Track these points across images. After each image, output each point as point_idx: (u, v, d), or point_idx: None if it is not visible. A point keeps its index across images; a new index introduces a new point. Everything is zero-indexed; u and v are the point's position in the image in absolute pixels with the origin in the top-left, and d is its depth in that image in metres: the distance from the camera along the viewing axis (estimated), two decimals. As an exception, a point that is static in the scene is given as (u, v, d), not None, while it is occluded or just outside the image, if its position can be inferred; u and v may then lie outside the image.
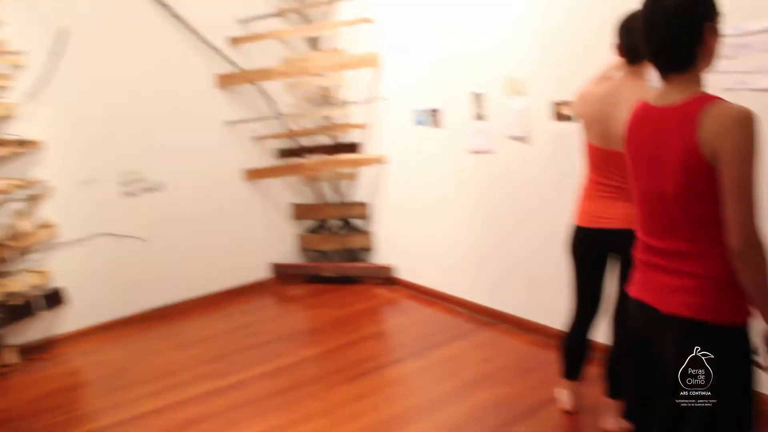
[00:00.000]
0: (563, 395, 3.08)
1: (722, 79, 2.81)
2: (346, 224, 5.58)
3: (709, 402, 1.69)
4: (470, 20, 4.07)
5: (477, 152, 4.24)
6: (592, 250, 2.78)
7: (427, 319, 4.49)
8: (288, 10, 5.33)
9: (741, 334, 1.72)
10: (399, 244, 5.21)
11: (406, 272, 5.20)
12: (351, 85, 5.27)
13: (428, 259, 4.92)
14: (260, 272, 5.55)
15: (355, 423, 3.13)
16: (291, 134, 5.38)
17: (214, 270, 5.27)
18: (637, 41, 2.42)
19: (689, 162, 1.65)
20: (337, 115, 5.41)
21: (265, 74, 5.16)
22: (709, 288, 1.70)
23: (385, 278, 5.29)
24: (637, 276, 1.92)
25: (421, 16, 4.47)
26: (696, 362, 1.69)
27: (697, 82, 1.72)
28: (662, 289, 1.79)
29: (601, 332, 2.98)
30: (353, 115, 5.28)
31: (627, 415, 2.00)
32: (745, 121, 1.60)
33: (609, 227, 2.65)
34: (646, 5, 1.75)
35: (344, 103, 5.34)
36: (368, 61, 4.95)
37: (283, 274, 5.58)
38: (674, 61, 1.72)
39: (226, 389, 3.61)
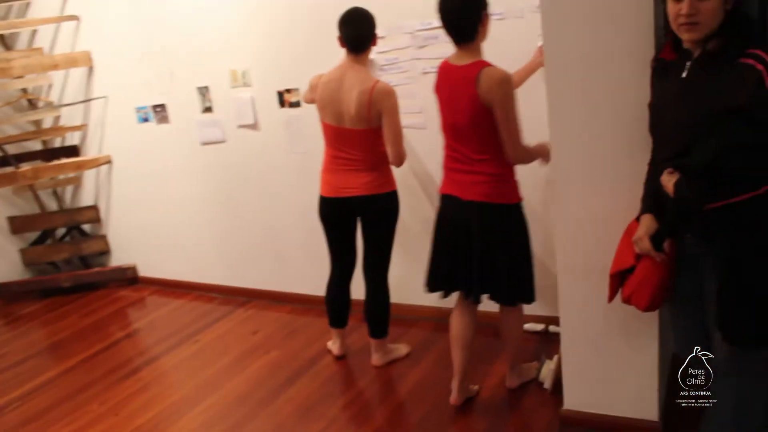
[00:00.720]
0: (333, 344, 3.52)
1: (418, 65, 3.46)
2: (77, 230, 5.36)
3: (504, 253, 2.63)
4: (187, 16, 4.21)
5: (208, 143, 4.44)
6: (337, 216, 3.23)
7: (182, 309, 4.61)
8: (-28, 7, 4.89)
9: (517, 209, 2.67)
10: (138, 242, 5.18)
11: (148, 269, 5.22)
12: (61, 85, 5.05)
13: (171, 252, 5.01)
14: (-19, 296, 5.10)
15: (147, 413, 3.22)
16: (-3, 142, 4.99)
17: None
18: (355, 33, 2.91)
19: (472, 105, 2.49)
20: (48, 118, 5.15)
21: (-43, 78, 4.70)
22: (492, 182, 2.59)
23: (128, 279, 5.24)
24: (445, 180, 2.77)
25: (132, 12, 4.47)
26: (490, 229, 2.62)
27: (478, 50, 2.57)
28: (463, 185, 2.65)
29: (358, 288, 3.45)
30: (69, 117, 5.07)
31: (432, 286, 2.86)
32: (505, 79, 2.47)
33: (349, 195, 3.11)
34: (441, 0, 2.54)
35: (55, 106, 5.10)
36: (79, 60, 4.80)
37: (10, 293, 5.19)
38: (462, 35, 2.55)
39: (-14, 420, 3.40)
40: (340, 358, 3.49)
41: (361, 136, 3.02)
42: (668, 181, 1.86)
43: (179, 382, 3.52)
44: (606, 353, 2.51)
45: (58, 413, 3.35)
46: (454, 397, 2.90)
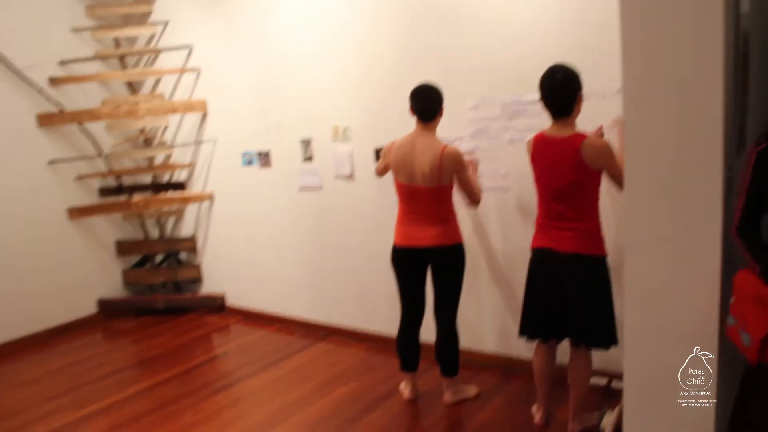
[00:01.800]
0: (405, 387, 3.79)
1: (506, 134, 3.84)
2: (174, 258, 5.87)
3: (595, 299, 2.98)
4: (297, 76, 4.72)
5: (306, 189, 4.90)
6: (408, 264, 3.56)
7: (265, 339, 5.00)
8: (108, 54, 5.55)
9: (605, 260, 3.02)
10: (228, 273, 5.65)
11: (235, 299, 5.67)
12: (176, 127, 5.64)
13: (258, 285, 5.44)
14: (86, 309, 5.62)
15: (236, 426, 3.58)
16: (115, 173, 5.58)
17: (39, 308, 5.27)
18: (424, 105, 3.30)
19: (576, 170, 2.90)
20: (162, 155, 5.73)
21: (91, 115, 5.32)
22: (586, 236, 2.99)
23: (217, 306, 5.69)
24: (540, 235, 3.14)
25: (248, 69, 5.04)
26: (585, 278, 2.98)
27: (573, 124, 2.99)
28: (560, 239, 3.03)
29: (429, 332, 3.75)
30: (179, 155, 5.65)
31: (527, 333, 3.22)
32: (606, 146, 2.91)
33: (419, 245, 3.46)
34: (545, 79, 2.96)
35: (168, 145, 5.68)
36: (196, 107, 5.38)
37: (111, 310, 5.71)
38: (561, 111, 2.97)
39: (92, 417, 3.81)
40: (412, 402, 3.73)
41: (432, 193, 3.38)
42: None
43: (266, 401, 3.87)
44: (665, 407, 2.74)
45: (156, 417, 3.75)
46: (539, 419, 3.34)
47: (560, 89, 2.94)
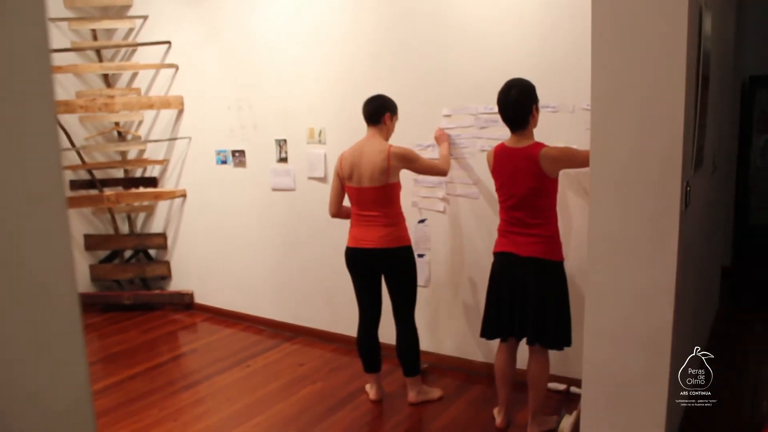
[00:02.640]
0: (370, 388, 3.85)
1: (479, 142, 3.93)
2: (143, 254, 5.85)
3: (552, 301, 3.11)
4: (275, 78, 4.77)
5: (278, 189, 4.94)
6: (360, 264, 3.66)
7: (233, 337, 5.02)
8: (85, 46, 5.54)
9: (562, 265, 3.18)
10: (197, 271, 5.65)
11: (204, 297, 5.66)
12: (150, 122, 5.64)
13: (227, 284, 5.46)
14: (52, 303, 5.56)
15: (202, 423, 3.59)
16: (87, 166, 5.55)
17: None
18: (369, 108, 3.52)
19: (534, 178, 3.06)
20: (135, 150, 5.72)
21: (66, 107, 5.28)
22: (545, 242, 3.13)
23: (185, 304, 5.69)
24: (502, 241, 3.27)
25: (226, 69, 5.07)
26: (543, 281, 3.11)
27: (531, 134, 3.16)
28: (521, 245, 3.16)
29: (390, 333, 3.80)
30: (153, 151, 5.64)
31: (487, 334, 3.33)
32: (559, 150, 3.08)
33: (368, 246, 3.56)
34: (501, 95, 3.14)
35: (142, 141, 5.67)
36: (173, 103, 5.39)
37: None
38: (517, 124, 3.13)
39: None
40: (377, 402, 3.79)
41: (379, 193, 3.50)
42: None
43: (232, 399, 3.89)
44: (621, 411, 2.84)
45: (123, 413, 3.75)
46: (500, 422, 3.41)
47: (515, 105, 3.11)
